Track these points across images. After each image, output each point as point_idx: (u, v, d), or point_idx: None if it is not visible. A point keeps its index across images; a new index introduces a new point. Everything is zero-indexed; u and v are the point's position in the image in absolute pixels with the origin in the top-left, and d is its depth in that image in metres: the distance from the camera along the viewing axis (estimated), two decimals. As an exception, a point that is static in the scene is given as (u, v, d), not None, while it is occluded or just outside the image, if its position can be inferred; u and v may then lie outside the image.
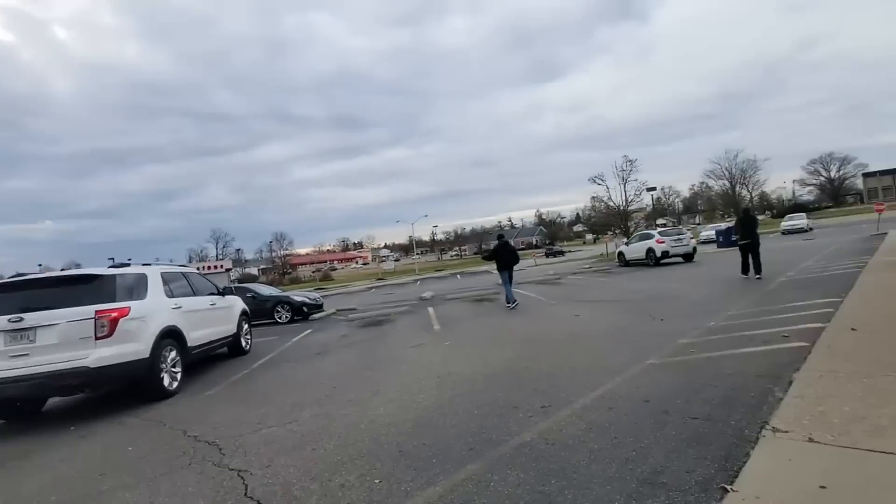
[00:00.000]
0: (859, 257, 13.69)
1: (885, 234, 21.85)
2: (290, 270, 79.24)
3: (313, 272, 75.24)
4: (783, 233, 37.55)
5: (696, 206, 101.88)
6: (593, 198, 50.52)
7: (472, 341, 8.34)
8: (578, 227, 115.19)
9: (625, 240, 29.97)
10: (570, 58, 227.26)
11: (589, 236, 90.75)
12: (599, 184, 47.27)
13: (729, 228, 26.15)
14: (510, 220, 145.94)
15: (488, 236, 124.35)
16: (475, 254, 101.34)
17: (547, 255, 58.92)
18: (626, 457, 3.09)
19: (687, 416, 3.63)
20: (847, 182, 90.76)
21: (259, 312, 15.47)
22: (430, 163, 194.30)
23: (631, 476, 2.83)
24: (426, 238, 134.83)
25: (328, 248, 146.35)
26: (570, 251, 64.08)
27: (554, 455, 3.25)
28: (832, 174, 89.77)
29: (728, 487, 2.54)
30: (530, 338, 7.94)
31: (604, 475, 2.89)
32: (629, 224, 46.09)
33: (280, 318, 15.75)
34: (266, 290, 17.99)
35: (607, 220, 50.64)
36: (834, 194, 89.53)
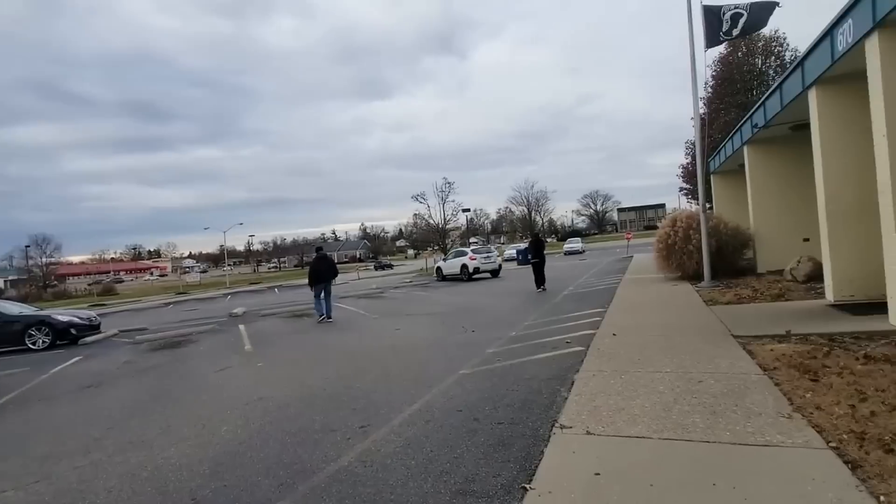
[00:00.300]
0: (616, 275, 17.13)
1: (632, 256, 27.91)
2: (54, 283, 63.56)
3: (90, 285, 61.45)
4: (565, 253, 45.01)
5: (502, 228, 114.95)
6: (415, 215, 53.15)
7: (289, 361, 7.80)
8: (401, 243, 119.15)
9: (443, 256, 32.04)
10: (398, 80, 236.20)
11: (411, 251, 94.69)
12: (421, 202, 49.84)
13: (526, 248, 30.25)
14: (334, 233, 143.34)
15: (310, 248, 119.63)
16: (296, 266, 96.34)
17: (376, 269, 60.52)
18: (441, 469, 3.19)
19: (494, 422, 3.95)
20: (608, 214, 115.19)
21: (2, 338, 12.04)
22: (248, 166, 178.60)
23: (445, 489, 2.92)
24: (241, 248, 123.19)
25: (113, 256, 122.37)
26: (397, 265, 65.88)
27: (371, 478, 3.17)
28: (598, 207, 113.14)
29: (527, 486, 2.81)
30: (351, 354, 7.78)
31: (420, 492, 2.92)
32: (447, 241, 49.50)
33: (35, 343, 12.38)
34: (13, 307, 14.00)
35: (428, 237, 53.66)
36: (599, 223, 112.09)
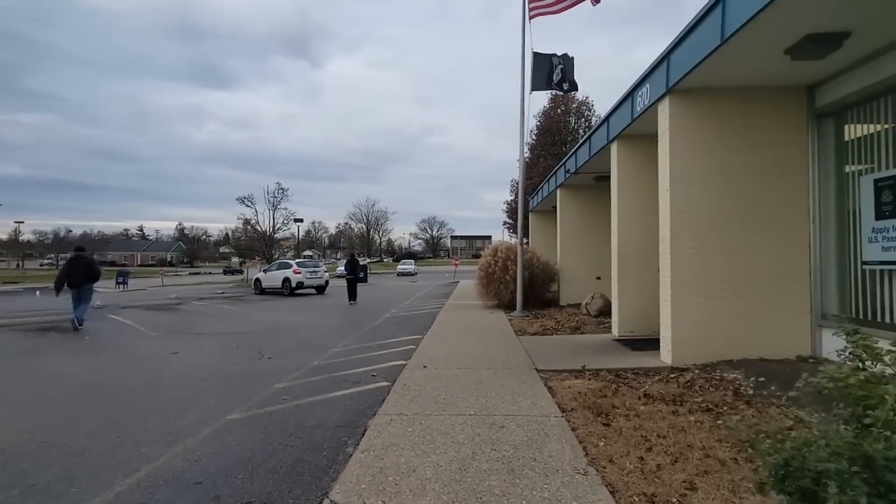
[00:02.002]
0: (440, 299, 17.28)
1: (458, 282, 29.10)
2: None
3: None
4: (398, 274, 45.32)
5: (340, 243, 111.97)
6: (244, 220, 47.94)
7: (-21, 400, 5.44)
8: (225, 249, 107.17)
9: (265, 267, 29.09)
10: (242, 73, 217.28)
11: (235, 259, 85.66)
12: (248, 205, 45.34)
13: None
14: (142, 230, 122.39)
15: (105, 245, 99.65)
16: (78, 265, 78.87)
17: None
18: None
19: (241, 501, 2.87)
20: (442, 240, 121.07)
21: None
22: (28, 136, 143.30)
23: None
24: (4, 237, 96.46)
25: None
26: (216, 273, 59.97)
27: None
28: (434, 233, 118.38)
29: None
30: (88, 388, 5.79)
31: None
32: (275, 252, 45.69)
33: None
34: None
35: (254, 245, 48.70)
36: (434, 248, 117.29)
